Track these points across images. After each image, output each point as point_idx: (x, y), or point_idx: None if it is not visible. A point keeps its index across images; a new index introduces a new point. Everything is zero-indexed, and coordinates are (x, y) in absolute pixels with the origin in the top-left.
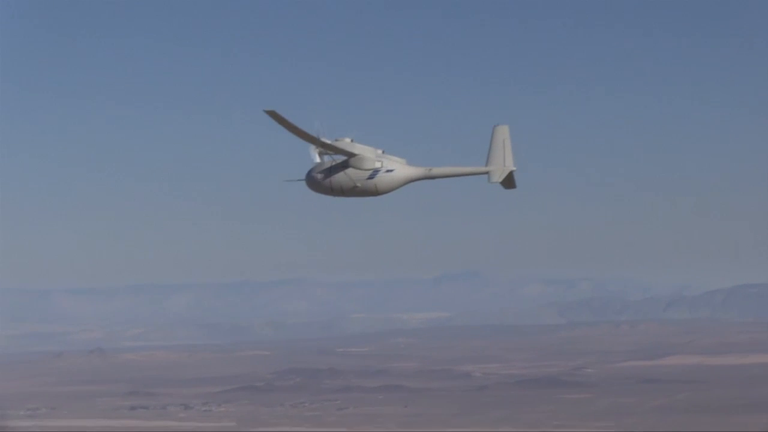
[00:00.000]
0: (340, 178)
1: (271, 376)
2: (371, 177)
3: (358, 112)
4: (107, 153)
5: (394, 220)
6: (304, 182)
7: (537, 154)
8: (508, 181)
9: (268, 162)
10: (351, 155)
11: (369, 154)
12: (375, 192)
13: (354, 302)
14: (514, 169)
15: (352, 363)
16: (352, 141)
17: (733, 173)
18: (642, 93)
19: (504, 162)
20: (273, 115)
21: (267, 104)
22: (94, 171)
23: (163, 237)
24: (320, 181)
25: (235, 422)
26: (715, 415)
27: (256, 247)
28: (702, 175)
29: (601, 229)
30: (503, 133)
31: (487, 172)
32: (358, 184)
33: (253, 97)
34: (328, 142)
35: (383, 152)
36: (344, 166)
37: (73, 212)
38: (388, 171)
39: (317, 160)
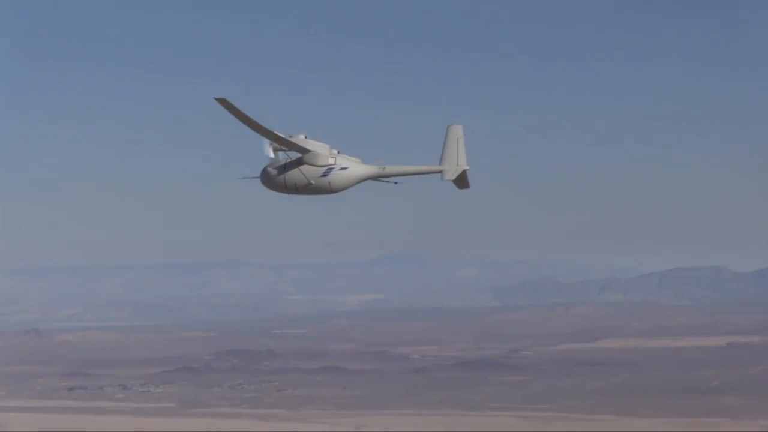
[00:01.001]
0: (295, 175)
1: (209, 358)
2: (325, 174)
3: (311, 111)
4: (39, 131)
5: (329, 202)
6: (258, 179)
7: (477, 141)
8: (462, 181)
9: (204, 144)
10: (305, 151)
11: (323, 151)
12: (329, 190)
13: (289, 284)
14: (467, 168)
15: (289, 344)
16: (306, 137)
17: (664, 158)
18: (570, 84)
19: (457, 161)
20: (224, 103)
21: (217, 93)
22: (25, 150)
23: (95, 218)
24: (274, 178)
25: (174, 403)
26: (652, 398)
27: (188, 229)
28: (634, 161)
29: (534, 213)
30: (457, 132)
31: (440, 171)
32: (312, 182)
33: (199, 82)
34: (282, 135)
35: (338, 152)
36: (298, 163)
37: (5, 193)
38: (342, 169)
39: (271, 155)
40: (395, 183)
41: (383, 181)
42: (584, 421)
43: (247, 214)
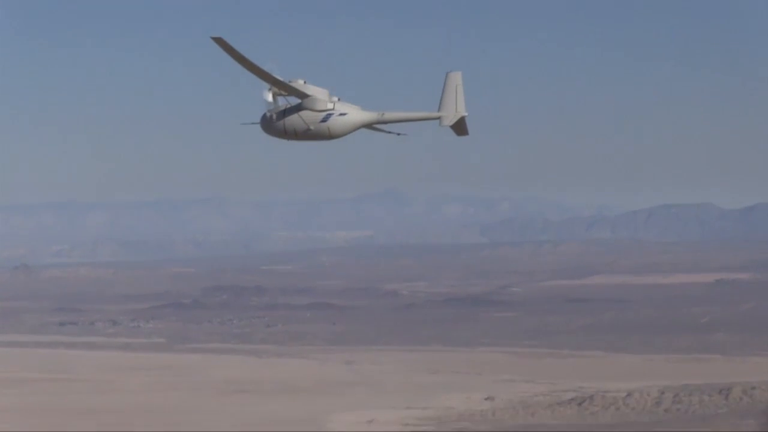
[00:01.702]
0: (294, 120)
1: (198, 294)
2: (324, 120)
3: (310, 58)
4: (27, 72)
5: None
6: (259, 125)
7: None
8: (460, 128)
9: (190, 83)
10: (304, 96)
11: (322, 96)
12: (328, 135)
13: (274, 221)
14: (466, 114)
15: (277, 281)
16: (305, 83)
17: (651, 96)
18: (558, 26)
19: (456, 108)
20: (220, 42)
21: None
22: (11, 89)
23: (78, 155)
24: (274, 123)
25: (164, 339)
26: (642, 335)
27: (173, 166)
28: (621, 96)
29: (521, 151)
30: (456, 79)
31: (438, 117)
32: (311, 127)
33: (191, 22)
34: (281, 79)
35: (339, 100)
36: (297, 108)
37: None
38: (341, 114)
39: (270, 100)
40: (398, 134)
41: (386, 131)
42: (574, 357)
43: (231, 152)
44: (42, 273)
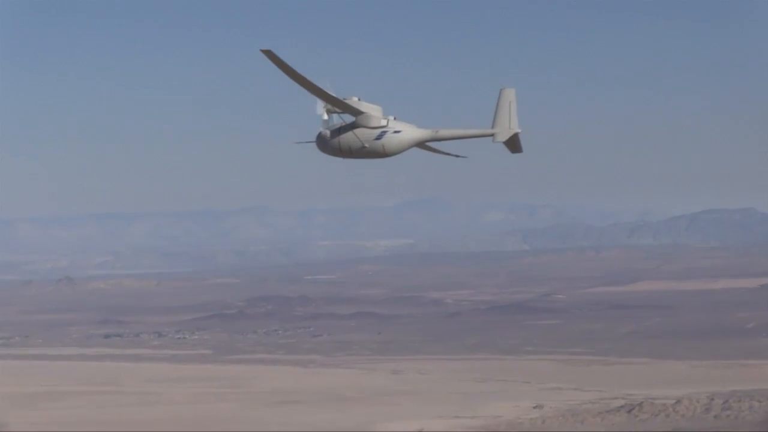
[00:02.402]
0: (349, 137)
1: (242, 304)
2: (379, 138)
3: (364, 76)
4: (66, 84)
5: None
6: (314, 144)
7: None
8: (514, 145)
9: (231, 93)
10: (358, 113)
11: (375, 113)
12: (383, 153)
13: (316, 230)
14: (519, 131)
15: (321, 290)
16: (359, 100)
17: (692, 103)
18: (603, 37)
19: (509, 124)
20: (269, 55)
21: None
22: (47, 100)
23: (121, 166)
24: (328, 141)
25: (210, 350)
26: (687, 341)
27: (215, 176)
28: (662, 102)
29: (562, 157)
30: (509, 96)
31: (492, 134)
32: (366, 145)
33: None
34: (333, 94)
35: (395, 118)
36: (352, 126)
37: (34, 142)
38: (395, 132)
39: (324, 117)
40: (457, 156)
41: (444, 153)
42: (620, 364)
43: (271, 161)
44: (86, 285)
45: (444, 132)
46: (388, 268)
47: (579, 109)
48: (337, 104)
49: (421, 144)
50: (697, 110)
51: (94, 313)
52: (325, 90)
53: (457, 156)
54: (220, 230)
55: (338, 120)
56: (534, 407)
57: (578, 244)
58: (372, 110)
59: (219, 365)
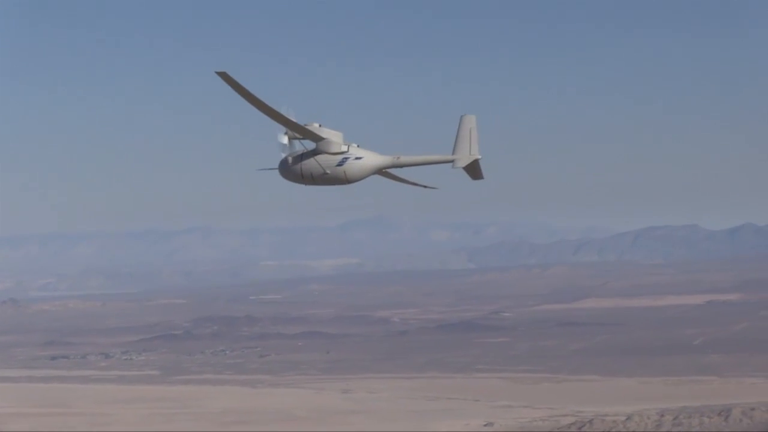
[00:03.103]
0: (310, 164)
1: (188, 324)
2: (340, 164)
3: (323, 103)
4: (10, 103)
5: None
6: (277, 171)
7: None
8: (474, 171)
9: (174, 113)
10: (319, 139)
11: (336, 139)
12: (345, 179)
13: (261, 249)
14: (479, 157)
15: (267, 310)
16: (320, 126)
17: (635, 119)
18: (549, 49)
19: (470, 150)
20: (224, 77)
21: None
22: None
23: (64, 186)
24: (291, 167)
25: (157, 371)
26: (637, 357)
27: (158, 196)
28: (603, 119)
29: (504, 174)
30: (470, 122)
31: (452, 160)
32: (328, 171)
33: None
34: (293, 119)
35: (358, 146)
36: (314, 153)
37: None
38: (357, 158)
39: (285, 142)
40: (425, 187)
41: (412, 183)
42: (570, 381)
43: (216, 181)
44: (30, 306)
45: (405, 159)
46: (335, 288)
47: (522, 126)
48: (297, 130)
49: (386, 173)
50: (638, 127)
51: (39, 335)
52: (283, 114)
53: (426, 187)
54: (165, 250)
55: (299, 146)
56: (485, 425)
57: (524, 262)
58: (333, 136)
59: (167, 386)
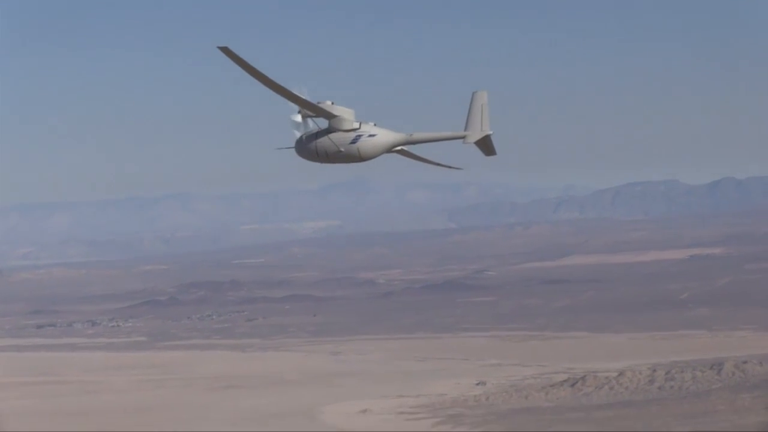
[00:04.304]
0: (324, 142)
1: (173, 290)
2: (354, 141)
3: (338, 81)
4: None
5: (272, 130)
6: (293, 150)
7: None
8: (487, 147)
9: (148, 81)
10: (331, 116)
11: (348, 116)
12: (359, 157)
13: (241, 214)
14: (491, 133)
15: (252, 274)
16: (332, 104)
17: (612, 75)
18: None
19: (481, 127)
20: (226, 52)
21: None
22: None
23: (42, 155)
24: (306, 145)
25: (145, 337)
26: (624, 313)
27: (137, 163)
28: (579, 76)
29: (423, 113)
30: (482, 98)
31: (464, 136)
32: (342, 149)
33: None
34: (305, 97)
35: (375, 125)
36: (327, 131)
37: None
38: (370, 136)
39: (298, 120)
40: (449, 167)
41: (436, 164)
42: (558, 338)
43: (193, 147)
44: (13, 276)
45: (418, 135)
46: (317, 251)
47: (500, 86)
48: (309, 108)
49: (405, 152)
50: (614, 83)
51: (24, 303)
52: (295, 92)
53: (450, 167)
54: (144, 218)
55: (312, 125)
56: (477, 384)
57: (505, 221)
58: (345, 113)
59: (155, 352)
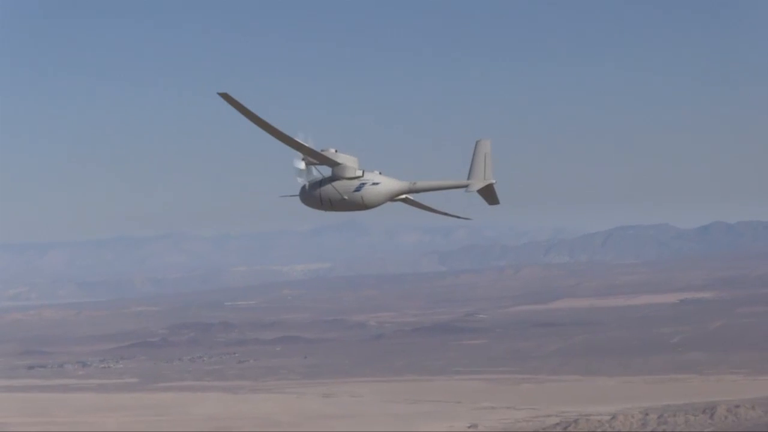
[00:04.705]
0: (328, 190)
1: (164, 332)
2: (358, 189)
3: (343, 128)
4: None
5: (265, 171)
6: (298, 198)
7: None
8: (490, 196)
9: (140, 121)
10: (335, 164)
11: (351, 164)
12: (362, 205)
13: (232, 255)
14: (494, 182)
15: (243, 316)
16: (336, 151)
17: (602, 118)
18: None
19: (484, 175)
20: (227, 98)
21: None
22: None
23: (32, 194)
24: (310, 193)
25: (136, 378)
26: (616, 357)
27: (128, 203)
28: (570, 118)
29: (427, 162)
30: (485, 147)
31: (467, 185)
32: (346, 197)
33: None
34: (309, 145)
35: (380, 173)
36: (331, 179)
37: None
38: (374, 184)
39: (302, 167)
40: (458, 217)
41: (444, 213)
42: (551, 381)
43: (185, 187)
44: (4, 316)
45: (421, 184)
46: (308, 292)
47: (487, 126)
48: (313, 155)
49: (412, 201)
50: (607, 127)
51: (15, 344)
52: (300, 140)
53: (459, 217)
54: (134, 257)
55: (315, 172)
56: (469, 427)
57: (495, 264)
58: (348, 161)
59: (147, 393)
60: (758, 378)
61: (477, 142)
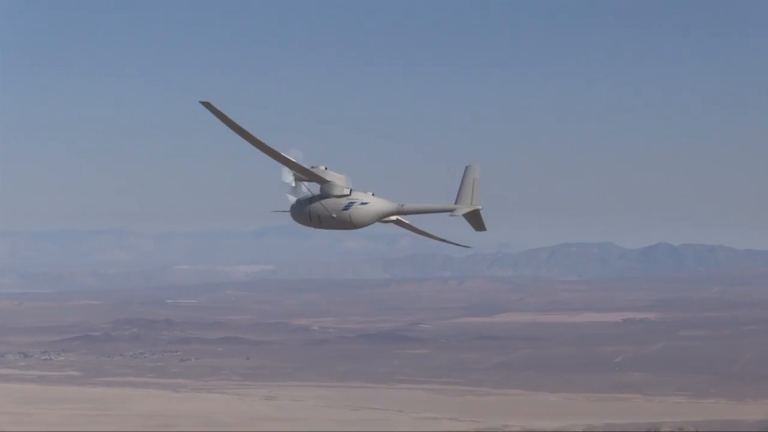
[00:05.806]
0: (317, 207)
1: (107, 326)
2: (346, 208)
3: (328, 147)
4: None
5: (212, 171)
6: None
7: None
8: (476, 221)
9: (90, 115)
10: (323, 181)
11: (340, 182)
12: (350, 224)
13: (175, 253)
14: (480, 207)
15: (186, 314)
16: (326, 169)
17: (550, 133)
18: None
19: (471, 200)
20: (209, 107)
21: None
22: None
23: None
24: (301, 209)
25: (78, 372)
26: (558, 374)
27: (72, 196)
28: (519, 135)
29: (418, 184)
30: (474, 172)
31: (453, 209)
32: (334, 215)
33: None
34: (299, 162)
35: (373, 194)
36: (320, 196)
37: None
38: (362, 204)
39: (291, 183)
40: (457, 245)
41: (447, 241)
42: (494, 395)
43: (131, 183)
44: None
45: (408, 206)
46: (251, 294)
47: (432, 136)
48: (302, 171)
49: (408, 226)
50: (552, 145)
51: None
52: (290, 156)
53: (458, 245)
54: (77, 251)
55: (304, 188)
56: None
57: (439, 274)
58: (336, 179)
59: (89, 387)
60: (701, 401)
61: (466, 168)
